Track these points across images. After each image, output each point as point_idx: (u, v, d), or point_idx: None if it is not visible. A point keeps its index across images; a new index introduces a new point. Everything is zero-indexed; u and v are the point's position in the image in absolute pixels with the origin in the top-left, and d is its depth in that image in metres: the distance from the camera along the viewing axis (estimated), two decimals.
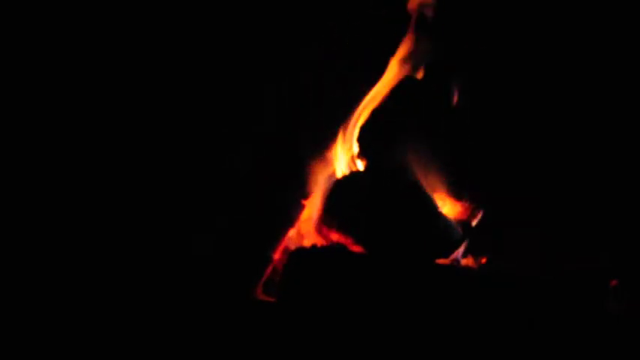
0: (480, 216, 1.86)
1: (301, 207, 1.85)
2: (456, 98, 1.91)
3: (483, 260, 1.76)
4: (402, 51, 1.91)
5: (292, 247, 1.76)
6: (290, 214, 1.83)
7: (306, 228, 1.80)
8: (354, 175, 1.88)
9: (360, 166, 1.93)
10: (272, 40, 2.08)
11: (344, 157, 1.95)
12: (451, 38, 2.06)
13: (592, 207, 1.95)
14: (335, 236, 1.75)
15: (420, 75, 1.92)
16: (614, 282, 1.63)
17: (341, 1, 2.09)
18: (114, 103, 2.07)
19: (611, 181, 2.01)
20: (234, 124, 2.05)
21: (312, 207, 1.82)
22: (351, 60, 2.06)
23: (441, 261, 1.74)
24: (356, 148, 1.93)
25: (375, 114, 1.91)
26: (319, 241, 1.75)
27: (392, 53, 1.91)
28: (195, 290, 1.70)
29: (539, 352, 1.52)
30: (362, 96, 1.93)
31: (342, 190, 1.81)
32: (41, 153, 2.01)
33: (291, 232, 1.80)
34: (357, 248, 1.72)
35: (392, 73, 1.92)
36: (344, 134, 1.93)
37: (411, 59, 1.90)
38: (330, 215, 1.78)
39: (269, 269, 1.73)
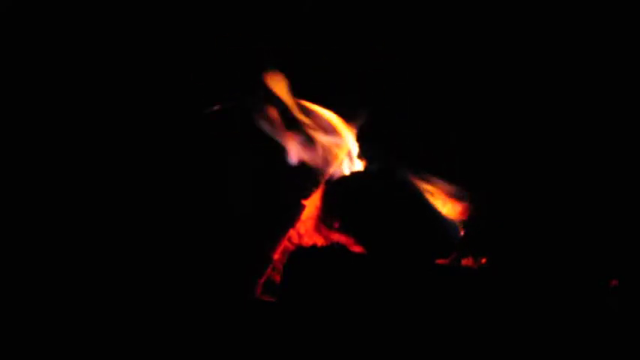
0: (478, 216, 1.87)
1: (301, 207, 1.85)
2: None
3: (483, 260, 1.76)
4: None
5: (292, 247, 1.76)
6: (290, 214, 1.83)
7: (306, 228, 1.80)
8: (354, 175, 1.88)
9: (360, 166, 1.93)
10: (273, 41, 2.08)
11: (343, 156, 1.95)
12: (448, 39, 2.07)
13: (592, 207, 1.95)
14: (335, 236, 1.75)
15: None
16: (614, 282, 1.63)
17: None
18: (114, 104, 2.08)
19: (611, 180, 2.01)
20: (233, 124, 2.05)
21: (312, 207, 1.82)
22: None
23: (441, 261, 1.74)
24: (356, 148, 1.93)
25: (375, 114, 1.91)
26: (319, 241, 1.75)
27: None
28: (196, 290, 1.70)
29: (539, 351, 1.52)
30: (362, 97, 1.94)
31: (342, 190, 1.81)
32: (41, 154, 2.01)
33: (291, 232, 1.80)
34: (357, 248, 1.72)
35: None
36: (343, 134, 1.94)
37: None
38: (330, 215, 1.78)
39: (269, 269, 1.73)
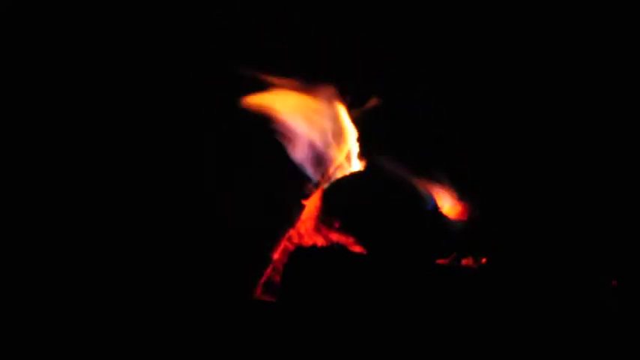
0: (479, 216, 1.87)
1: (301, 207, 1.85)
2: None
3: (483, 260, 1.76)
4: None
5: (292, 247, 1.76)
6: (290, 214, 1.83)
7: (306, 228, 1.80)
8: (354, 175, 1.88)
9: (360, 166, 1.93)
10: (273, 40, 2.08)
11: (343, 158, 1.95)
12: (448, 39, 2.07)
13: (592, 206, 1.95)
14: (335, 236, 1.75)
15: None
16: (614, 282, 1.63)
17: None
18: (114, 104, 2.08)
19: (611, 180, 2.01)
20: (234, 124, 2.05)
21: (312, 207, 1.81)
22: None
23: (441, 261, 1.74)
24: (356, 149, 1.93)
25: (375, 115, 1.91)
26: (319, 241, 1.74)
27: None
28: (196, 290, 1.70)
29: (539, 351, 1.52)
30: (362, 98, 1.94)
31: (342, 190, 1.81)
32: (41, 154, 2.01)
33: (291, 232, 1.80)
34: (357, 248, 1.72)
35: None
36: (343, 134, 1.94)
37: None
38: (330, 215, 1.78)
39: (269, 269, 1.73)
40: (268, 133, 1.92)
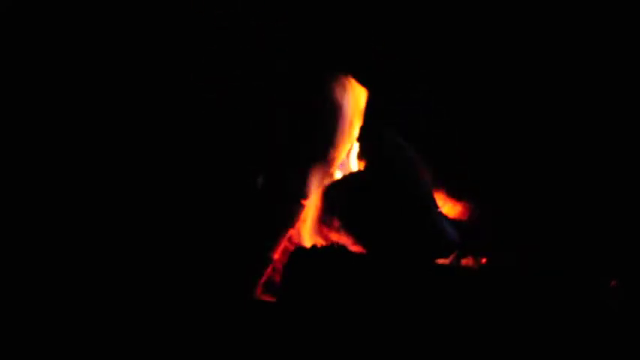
0: (479, 216, 1.87)
1: (301, 207, 1.85)
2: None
3: (483, 260, 1.76)
4: None
5: (292, 247, 1.76)
6: (290, 214, 1.83)
7: (306, 228, 1.80)
8: (354, 175, 1.88)
9: (360, 166, 1.93)
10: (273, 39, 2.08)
11: (343, 157, 1.95)
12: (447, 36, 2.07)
13: (592, 206, 1.95)
14: (335, 236, 1.75)
15: None
16: (614, 282, 1.63)
17: None
18: (114, 104, 2.08)
19: (611, 180, 2.01)
20: (234, 124, 2.05)
21: (312, 207, 1.82)
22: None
23: (441, 261, 1.74)
24: (356, 148, 1.93)
25: (375, 115, 1.91)
26: (319, 241, 1.75)
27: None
28: (196, 290, 1.70)
29: (539, 351, 1.52)
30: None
31: (341, 190, 1.81)
32: (42, 154, 2.01)
33: (291, 232, 1.80)
34: (357, 248, 1.72)
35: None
36: (344, 135, 1.94)
37: None
38: (329, 215, 1.78)
39: (269, 269, 1.73)
40: (269, 132, 1.93)
